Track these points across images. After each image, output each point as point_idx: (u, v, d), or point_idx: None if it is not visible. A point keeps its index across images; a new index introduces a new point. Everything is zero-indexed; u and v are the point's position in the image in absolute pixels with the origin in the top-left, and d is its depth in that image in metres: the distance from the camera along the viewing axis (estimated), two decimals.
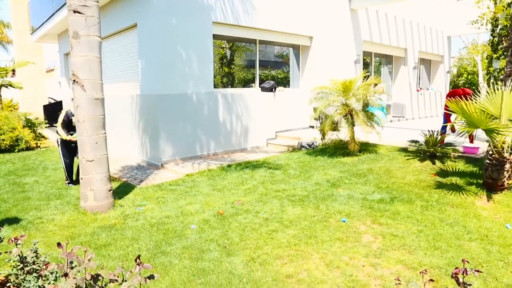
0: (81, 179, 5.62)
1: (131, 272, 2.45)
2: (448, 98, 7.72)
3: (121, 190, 6.67)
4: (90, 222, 5.20)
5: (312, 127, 11.00)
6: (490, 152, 5.58)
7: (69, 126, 6.90)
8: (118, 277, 2.46)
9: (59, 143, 7.12)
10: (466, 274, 2.13)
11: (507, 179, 5.65)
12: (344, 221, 4.77)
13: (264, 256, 3.95)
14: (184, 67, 8.76)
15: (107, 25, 10.29)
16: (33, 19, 15.52)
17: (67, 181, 7.16)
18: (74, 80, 5.36)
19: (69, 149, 7.09)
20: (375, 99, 8.60)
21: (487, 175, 5.66)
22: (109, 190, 5.73)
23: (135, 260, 2.41)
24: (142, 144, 9.22)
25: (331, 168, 7.39)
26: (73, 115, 6.71)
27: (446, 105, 7.65)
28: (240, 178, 7.05)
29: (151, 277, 2.45)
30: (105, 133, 5.68)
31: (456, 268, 2.12)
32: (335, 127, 8.62)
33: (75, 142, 6.81)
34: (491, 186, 5.58)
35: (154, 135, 8.67)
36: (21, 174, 8.16)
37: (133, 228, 4.91)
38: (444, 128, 8.37)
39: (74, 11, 5.20)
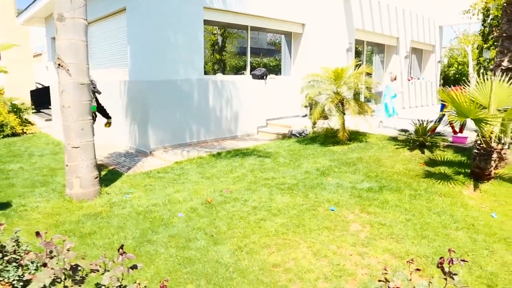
0: (67, 166, 5.52)
1: (113, 262, 2.40)
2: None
3: (108, 178, 6.58)
4: (76, 210, 5.12)
5: (305, 116, 10.92)
6: (478, 142, 5.59)
7: None
8: (100, 266, 2.40)
9: None
10: (452, 263, 2.11)
11: (494, 168, 5.68)
12: (332, 210, 4.75)
13: (252, 245, 3.92)
14: (174, 53, 8.61)
15: (95, 9, 10.05)
16: (19, 1, 15.13)
17: None
18: (59, 64, 5.22)
19: None
20: (394, 87, 8.65)
21: (474, 165, 5.68)
22: (96, 178, 5.64)
23: (118, 250, 2.35)
24: (131, 130, 9.09)
25: (321, 156, 7.36)
26: None
27: None
28: (230, 166, 7.00)
29: (134, 267, 2.39)
30: (91, 119, 5.57)
31: (441, 257, 2.10)
32: (325, 115, 8.58)
33: None
34: (479, 175, 5.61)
35: (143, 122, 8.55)
36: (5, 160, 8.00)
37: (119, 216, 4.84)
38: (440, 118, 8.28)
39: None
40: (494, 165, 5.57)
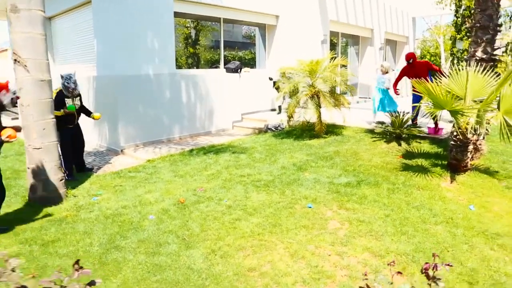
0: (28, 168, 5.17)
1: (69, 278, 2.16)
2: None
3: (76, 179, 6.24)
4: (39, 215, 4.79)
5: (278, 111, 10.71)
6: (455, 134, 5.55)
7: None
8: (55, 284, 2.15)
9: None
10: (437, 269, 1.97)
11: (470, 159, 5.66)
12: (310, 207, 4.60)
13: (226, 247, 3.72)
14: (144, 46, 8.27)
15: (59, 1, 9.58)
16: None
17: (65, 174, 5.97)
18: (15, 60, 4.84)
19: (66, 134, 6.19)
20: (386, 80, 8.56)
21: (451, 156, 5.64)
22: (61, 180, 5.31)
23: (73, 265, 2.11)
24: (101, 128, 8.71)
25: (298, 151, 7.21)
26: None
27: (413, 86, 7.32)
28: (204, 163, 6.76)
29: (91, 283, 2.15)
30: (53, 118, 5.22)
31: (427, 263, 1.96)
32: (301, 108, 8.44)
33: (72, 124, 6.28)
34: (455, 167, 5.57)
35: (113, 119, 8.19)
36: None
37: (86, 220, 4.56)
38: (413, 108, 8.13)
39: None
40: (470, 157, 5.55)
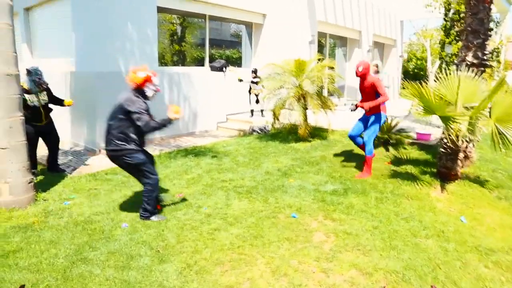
0: None
1: None
2: None
3: (49, 181, 5.86)
4: (3, 221, 4.42)
5: (261, 112, 10.23)
6: (445, 141, 5.36)
7: None
8: None
9: None
10: None
11: (460, 168, 5.49)
12: (294, 217, 4.35)
13: (203, 262, 3.44)
14: (125, 41, 7.91)
15: None
16: None
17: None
18: None
19: (33, 132, 5.78)
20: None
21: (441, 164, 5.47)
22: (29, 182, 4.95)
23: None
24: (78, 127, 8.32)
25: (283, 155, 6.97)
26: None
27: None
28: (185, 166, 6.46)
29: None
30: (22, 116, 4.86)
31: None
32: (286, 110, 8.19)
33: (39, 122, 5.89)
34: (445, 175, 5.40)
35: (91, 117, 7.81)
36: None
37: (54, 228, 4.22)
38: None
39: None
40: (460, 165, 5.38)
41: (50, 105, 6.10)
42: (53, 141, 6.25)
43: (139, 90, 4.21)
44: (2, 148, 4.69)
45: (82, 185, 5.66)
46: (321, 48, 14.54)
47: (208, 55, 10.36)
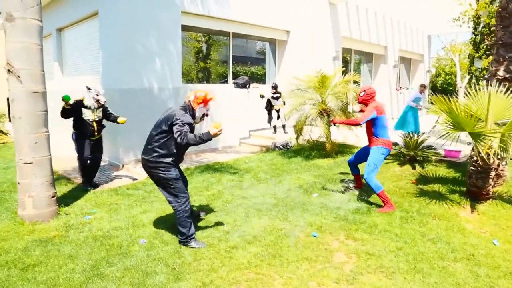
0: (18, 183, 4.90)
1: None
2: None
3: (72, 195, 5.96)
4: (25, 234, 4.49)
5: (275, 130, 10.15)
6: (475, 158, 5.13)
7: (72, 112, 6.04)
8: None
9: (74, 137, 6.27)
10: None
11: (492, 187, 5.22)
12: (314, 236, 4.21)
13: (219, 280, 3.35)
14: (149, 59, 8.07)
15: (68, 13, 9.50)
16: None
17: (83, 182, 6.44)
18: (8, 70, 4.62)
19: (86, 145, 6.17)
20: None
21: (471, 183, 5.21)
22: (52, 197, 5.02)
23: None
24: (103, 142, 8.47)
25: (305, 171, 6.84)
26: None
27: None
28: (206, 182, 6.43)
29: None
30: (47, 132, 4.96)
31: None
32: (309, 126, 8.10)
33: (92, 137, 6.16)
34: (476, 195, 5.13)
35: (115, 133, 7.95)
36: None
37: (73, 242, 4.24)
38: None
39: None
40: (492, 184, 5.11)
41: (104, 122, 6.38)
42: (96, 157, 6.40)
43: (191, 108, 4.12)
44: (27, 163, 4.80)
45: (104, 200, 5.71)
46: (345, 64, 14.44)
47: (231, 72, 10.43)
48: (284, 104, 9.67)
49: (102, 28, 8.03)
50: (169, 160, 4.04)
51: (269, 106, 9.97)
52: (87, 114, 6.06)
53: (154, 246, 4.07)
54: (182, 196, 4.07)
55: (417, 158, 6.80)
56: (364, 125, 5.27)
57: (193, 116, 4.12)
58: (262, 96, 9.74)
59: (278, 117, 9.86)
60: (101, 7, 7.98)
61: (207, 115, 4.27)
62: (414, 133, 7.48)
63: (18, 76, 4.59)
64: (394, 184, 5.85)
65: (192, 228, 4.08)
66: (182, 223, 4.02)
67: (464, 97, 5.39)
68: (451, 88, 23.78)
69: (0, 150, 10.35)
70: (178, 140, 3.81)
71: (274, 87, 9.73)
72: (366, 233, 4.26)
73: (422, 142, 7.07)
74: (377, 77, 15.77)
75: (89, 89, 6.01)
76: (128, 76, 7.83)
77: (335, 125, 5.07)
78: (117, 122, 6.38)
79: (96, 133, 6.22)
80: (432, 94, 8.73)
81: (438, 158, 6.90)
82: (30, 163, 4.81)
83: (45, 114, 4.93)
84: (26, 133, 4.75)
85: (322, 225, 4.47)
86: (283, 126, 10.07)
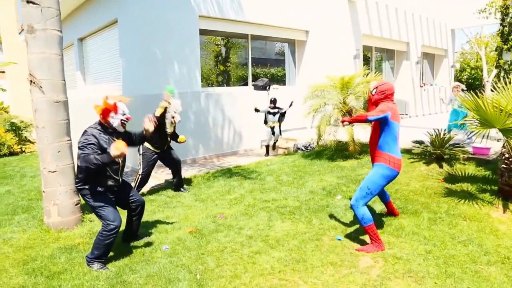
0: (44, 192, 4.99)
1: None
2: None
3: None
4: (51, 242, 4.56)
5: (267, 151, 9.10)
6: (507, 155, 4.90)
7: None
8: None
9: (140, 152, 6.34)
10: None
11: None
12: (339, 240, 4.10)
13: (242, 287, 3.29)
14: (168, 64, 8.12)
15: (88, 22, 9.69)
16: (22, 17, 14.90)
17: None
18: (31, 81, 4.71)
19: (152, 161, 6.27)
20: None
21: (503, 182, 4.98)
22: (76, 204, 5.09)
23: None
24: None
25: (328, 173, 6.72)
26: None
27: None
28: (228, 185, 6.40)
29: None
30: (69, 140, 5.03)
31: None
32: (332, 127, 7.96)
33: (160, 149, 6.22)
34: (508, 194, 4.90)
35: None
36: None
37: None
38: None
39: (28, 1, 4.55)
40: None
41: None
42: (173, 163, 6.41)
43: (104, 122, 3.87)
44: (51, 172, 4.87)
45: None
46: (366, 62, 14.19)
47: (251, 75, 10.39)
48: (280, 120, 8.85)
49: (122, 36, 8.13)
50: (87, 186, 3.78)
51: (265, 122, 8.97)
52: (168, 126, 6.16)
53: (176, 252, 4.04)
54: (109, 224, 3.76)
55: (444, 157, 6.57)
56: (370, 130, 4.36)
57: (112, 128, 3.88)
58: (257, 110, 8.72)
59: (273, 133, 8.82)
60: (120, 15, 8.09)
61: (129, 118, 4.00)
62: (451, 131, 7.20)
63: (40, 87, 4.67)
64: (420, 184, 5.67)
65: (106, 255, 3.84)
66: (99, 245, 3.77)
67: (492, 91, 5.16)
68: (477, 83, 23.08)
69: (27, 158, 10.61)
70: (79, 163, 3.61)
71: (273, 101, 8.73)
72: (393, 236, 4.12)
73: (449, 139, 6.83)
74: (399, 75, 15.44)
75: (170, 104, 6.07)
76: (149, 82, 7.90)
77: (343, 124, 4.13)
78: (178, 142, 6.46)
79: (165, 146, 6.30)
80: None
81: (466, 156, 6.65)
82: (54, 171, 4.88)
83: (67, 123, 5.00)
84: (49, 142, 4.82)
85: (346, 228, 4.36)
86: (274, 143, 9.13)
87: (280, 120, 8.87)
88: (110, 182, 3.86)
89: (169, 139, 6.31)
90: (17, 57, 17.69)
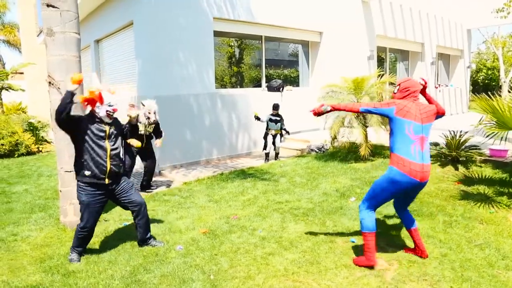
0: (60, 191, 5.08)
1: None
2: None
3: (110, 202, 6.08)
4: (67, 241, 4.63)
5: (267, 158, 8.72)
6: None
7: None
8: None
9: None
10: None
11: None
12: (353, 242, 4.09)
13: None
14: (183, 66, 8.19)
15: (104, 25, 9.83)
16: (40, 20, 15.20)
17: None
18: (49, 82, 4.80)
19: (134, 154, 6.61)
20: None
21: None
22: None
23: None
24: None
25: (342, 175, 6.69)
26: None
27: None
28: (241, 186, 6.42)
29: None
30: None
31: None
32: (346, 128, 7.92)
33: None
34: None
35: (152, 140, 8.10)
36: (13, 181, 7.70)
37: (112, 248, 4.32)
38: None
39: (48, 5, 4.65)
40: None
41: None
42: (148, 161, 6.70)
43: (93, 112, 4.00)
44: (68, 171, 4.95)
45: None
46: (381, 63, 14.08)
47: (264, 76, 10.41)
48: (283, 132, 8.47)
49: (137, 38, 8.23)
50: (79, 178, 3.99)
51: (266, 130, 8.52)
52: (141, 128, 6.34)
53: (190, 253, 4.07)
54: (81, 222, 4.07)
55: (460, 159, 6.48)
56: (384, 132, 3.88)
57: (99, 118, 3.98)
58: (257, 118, 8.24)
59: (274, 142, 8.44)
60: (135, 18, 8.19)
61: (115, 110, 4.04)
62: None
63: (59, 88, 4.76)
64: (436, 186, 5.60)
65: (81, 247, 4.10)
66: (75, 236, 4.08)
67: (509, 92, 5.08)
68: (493, 83, 22.72)
69: (44, 158, 10.77)
70: (55, 118, 3.81)
71: (275, 107, 8.28)
72: (408, 238, 4.08)
73: (465, 141, 6.74)
74: (414, 76, 15.28)
75: (143, 105, 6.30)
76: (163, 84, 7.98)
77: (320, 109, 3.59)
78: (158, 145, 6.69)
79: (144, 144, 6.44)
80: (473, 92, 8.32)
81: (483, 158, 6.56)
82: (70, 171, 4.95)
83: None
84: (66, 143, 4.90)
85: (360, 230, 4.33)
86: (276, 154, 8.62)
87: (281, 128, 8.43)
88: (96, 170, 3.91)
89: (144, 139, 6.50)
90: (36, 59, 18.03)
